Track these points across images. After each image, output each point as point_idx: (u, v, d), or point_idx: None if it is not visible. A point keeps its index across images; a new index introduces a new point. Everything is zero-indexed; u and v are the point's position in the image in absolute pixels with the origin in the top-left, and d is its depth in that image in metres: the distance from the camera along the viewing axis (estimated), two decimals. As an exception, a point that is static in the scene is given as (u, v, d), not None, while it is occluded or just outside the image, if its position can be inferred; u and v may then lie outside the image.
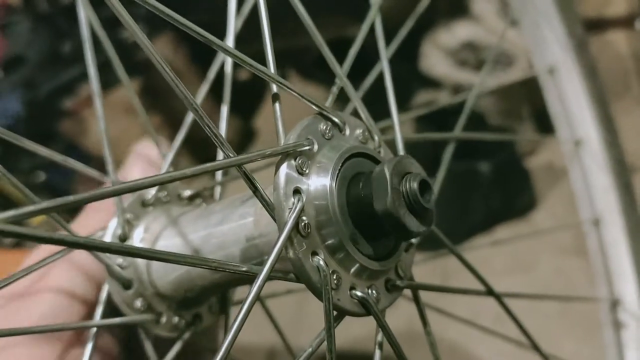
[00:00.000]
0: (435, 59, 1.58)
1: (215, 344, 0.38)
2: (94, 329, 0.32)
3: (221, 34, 0.38)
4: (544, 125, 1.53)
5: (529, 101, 1.51)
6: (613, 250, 0.67)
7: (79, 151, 1.41)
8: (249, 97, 1.72)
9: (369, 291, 0.27)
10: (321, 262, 0.26)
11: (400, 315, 0.64)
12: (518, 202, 1.44)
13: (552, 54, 0.66)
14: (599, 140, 0.66)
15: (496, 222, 1.40)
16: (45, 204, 0.19)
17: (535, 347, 0.42)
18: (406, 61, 1.56)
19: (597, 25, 1.60)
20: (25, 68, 1.46)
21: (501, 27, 1.52)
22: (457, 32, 1.61)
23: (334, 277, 0.26)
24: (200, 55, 1.52)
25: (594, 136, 0.66)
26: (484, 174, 1.38)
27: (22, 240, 1.39)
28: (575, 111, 0.67)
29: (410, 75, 1.58)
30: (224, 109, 0.36)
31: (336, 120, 0.28)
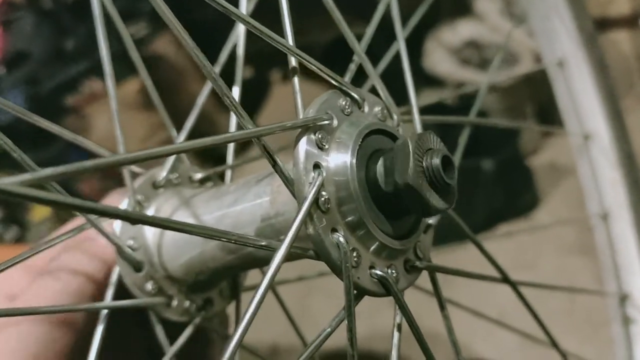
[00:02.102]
0: (438, 57, 1.58)
1: (226, 329, 0.37)
2: (105, 311, 0.31)
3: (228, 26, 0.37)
4: (547, 123, 1.52)
5: (531, 99, 1.51)
6: (622, 245, 0.67)
7: (82, 148, 1.40)
8: (251, 96, 1.71)
9: (389, 271, 0.27)
10: (341, 239, 0.25)
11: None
12: (520, 200, 1.43)
13: (561, 47, 0.65)
14: (608, 134, 0.66)
15: (498, 220, 1.39)
16: (62, 168, 0.18)
17: (553, 343, 0.41)
18: (409, 59, 1.56)
19: (600, 24, 1.60)
20: (28, 64, 1.46)
21: (504, 26, 1.52)
22: (460, 31, 1.60)
23: (354, 255, 0.25)
24: (203, 52, 1.51)
25: (604, 130, 0.66)
26: (486, 171, 1.37)
27: (23, 236, 1.38)
28: (584, 105, 0.66)
29: (412, 73, 1.57)
30: (236, 89, 0.35)
31: (355, 96, 0.28)
